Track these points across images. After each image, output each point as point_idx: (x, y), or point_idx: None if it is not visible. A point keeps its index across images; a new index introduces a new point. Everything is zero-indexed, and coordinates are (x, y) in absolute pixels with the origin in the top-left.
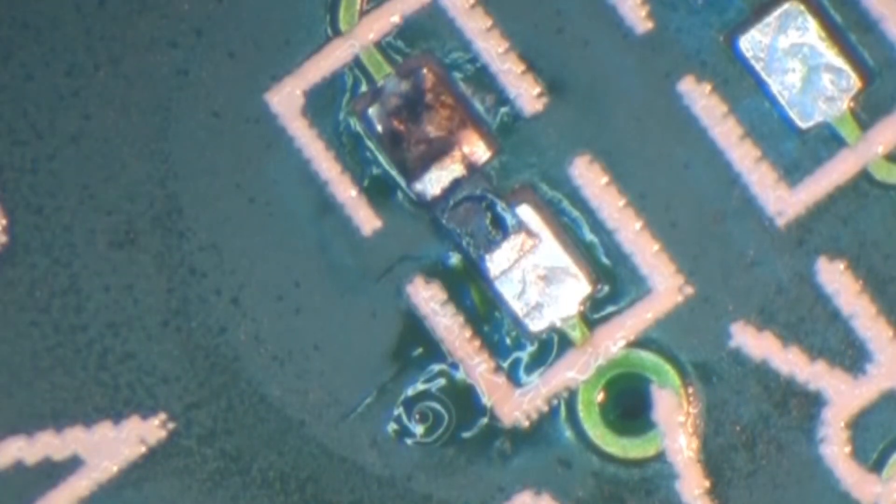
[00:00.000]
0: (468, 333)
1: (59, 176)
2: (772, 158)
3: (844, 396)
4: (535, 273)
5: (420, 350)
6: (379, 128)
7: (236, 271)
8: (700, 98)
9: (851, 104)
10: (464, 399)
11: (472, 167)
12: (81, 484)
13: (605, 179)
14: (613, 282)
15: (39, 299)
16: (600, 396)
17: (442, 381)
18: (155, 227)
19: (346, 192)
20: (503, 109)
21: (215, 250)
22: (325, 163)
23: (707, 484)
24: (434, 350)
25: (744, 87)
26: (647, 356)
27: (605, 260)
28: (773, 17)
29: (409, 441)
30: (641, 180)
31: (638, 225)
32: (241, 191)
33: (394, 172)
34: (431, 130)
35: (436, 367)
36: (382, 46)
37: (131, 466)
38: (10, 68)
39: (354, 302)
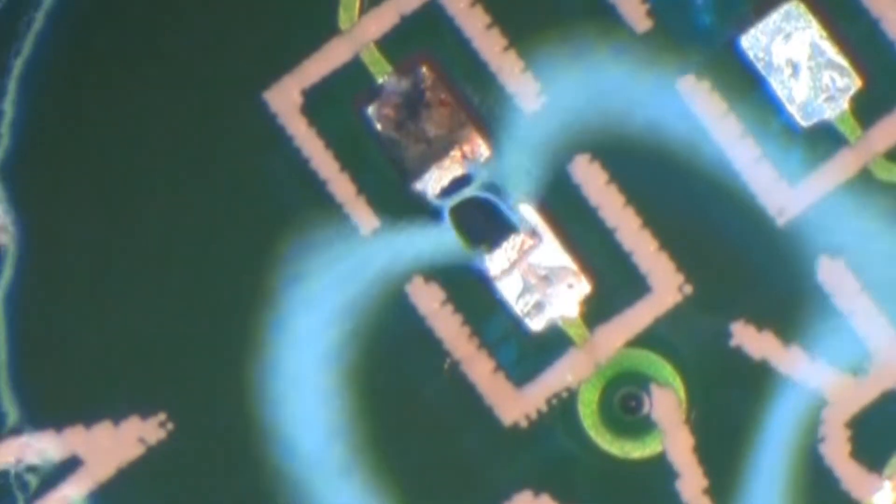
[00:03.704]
0: (468, 333)
1: (60, 176)
2: (772, 157)
3: (844, 396)
4: (535, 272)
5: (420, 350)
6: (378, 126)
7: (236, 272)
8: (700, 97)
9: (852, 103)
10: (464, 399)
11: (471, 166)
12: (80, 484)
13: (604, 178)
14: (613, 281)
15: (38, 300)
16: (600, 396)
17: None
18: (154, 228)
19: (345, 191)
20: (503, 108)
21: (214, 251)
22: (324, 162)
23: (706, 483)
24: (434, 350)
25: (744, 86)
26: (647, 355)
27: (605, 259)
28: (774, 17)
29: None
30: (641, 179)
31: (637, 224)
32: (240, 190)
33: (393, 171)
34: (431, 129)
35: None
36: (382, 45)
37: (130, 467)
38: (10, 70)
39: (353, 302)
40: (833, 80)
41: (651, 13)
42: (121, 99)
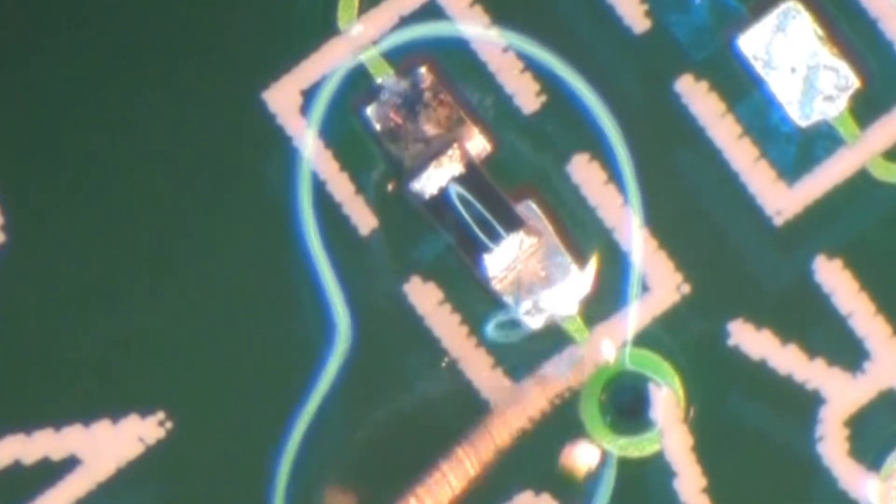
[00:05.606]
0: (466, 332)
1: (59, 175)
2: (770, 157)
3: (842, 395)
4: (534, 271)
5: (418, 349)
6: (377, 126)
7: (234, 272)
8: (698, 97)
9: (850, 103)
10: (463, 398)
11: (470, 166)
12: (79, 483)
13: (603, 178)
14: (612, 280)
15: (38, 298)
16: (599, 395)
17: None
18: (153, 227)
19: (343, 191)
20: (501, 108)
21: (214, 251)
22: (323, 162)
23: (705, 482)
24: (432, 349)
25: (742, 86)
26: (646, 355)
27: (603, 258)
28: (772, 16)
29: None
30: (639, 179)
31: (636, 223)
32: (239, 190)
33: (392, 171)
34: (430, 129)
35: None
36: (381, 45)
37: (129, 466)
38: (10, 70)
39: (352, 302)
40: (831, 81)
41: (649, 13)
42: (119, 100)
